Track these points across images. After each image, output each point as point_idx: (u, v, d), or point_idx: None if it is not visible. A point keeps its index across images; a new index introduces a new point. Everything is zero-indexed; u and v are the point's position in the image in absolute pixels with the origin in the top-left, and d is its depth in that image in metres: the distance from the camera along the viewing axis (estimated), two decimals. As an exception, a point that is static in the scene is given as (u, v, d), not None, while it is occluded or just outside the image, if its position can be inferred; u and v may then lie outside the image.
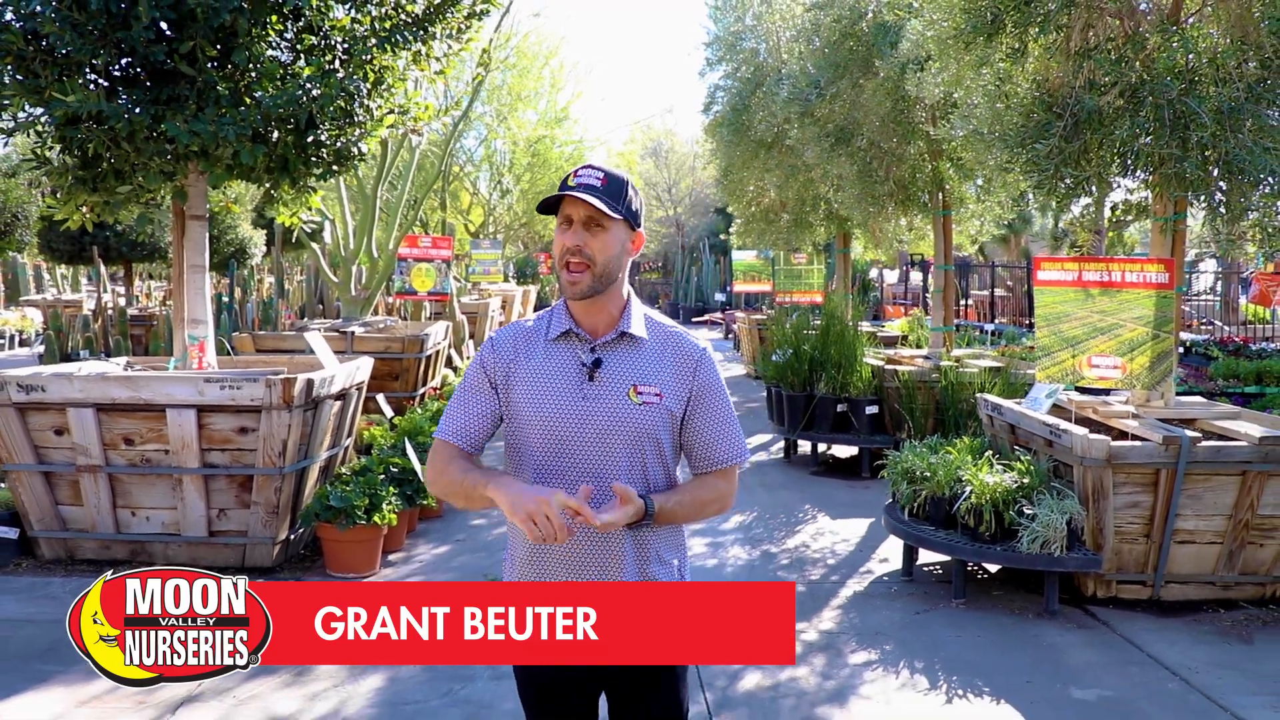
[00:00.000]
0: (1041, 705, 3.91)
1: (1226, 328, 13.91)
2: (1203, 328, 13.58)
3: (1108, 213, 5.69)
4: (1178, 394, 6.35)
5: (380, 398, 7.66)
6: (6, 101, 5.13)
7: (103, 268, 15.92)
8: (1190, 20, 4.63)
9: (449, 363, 11.28)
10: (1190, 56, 4.24)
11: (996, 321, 16.74)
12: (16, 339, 19.73)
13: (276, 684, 4.05)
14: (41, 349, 14.04)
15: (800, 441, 8.54)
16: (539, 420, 2.07)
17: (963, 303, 20.49)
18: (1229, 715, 3.80)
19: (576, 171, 2.08)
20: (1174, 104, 4.11)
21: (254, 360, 7.25)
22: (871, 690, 4.05)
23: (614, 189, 2.07)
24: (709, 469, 2.18)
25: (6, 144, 5.73)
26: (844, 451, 8.92)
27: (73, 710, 3.80)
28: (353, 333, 9.15)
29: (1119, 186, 5.38)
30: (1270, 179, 4.02)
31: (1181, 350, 9.00)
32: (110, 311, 13.58)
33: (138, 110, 4.96)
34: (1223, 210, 4.38)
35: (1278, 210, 4.40)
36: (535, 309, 23.71)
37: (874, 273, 24.06)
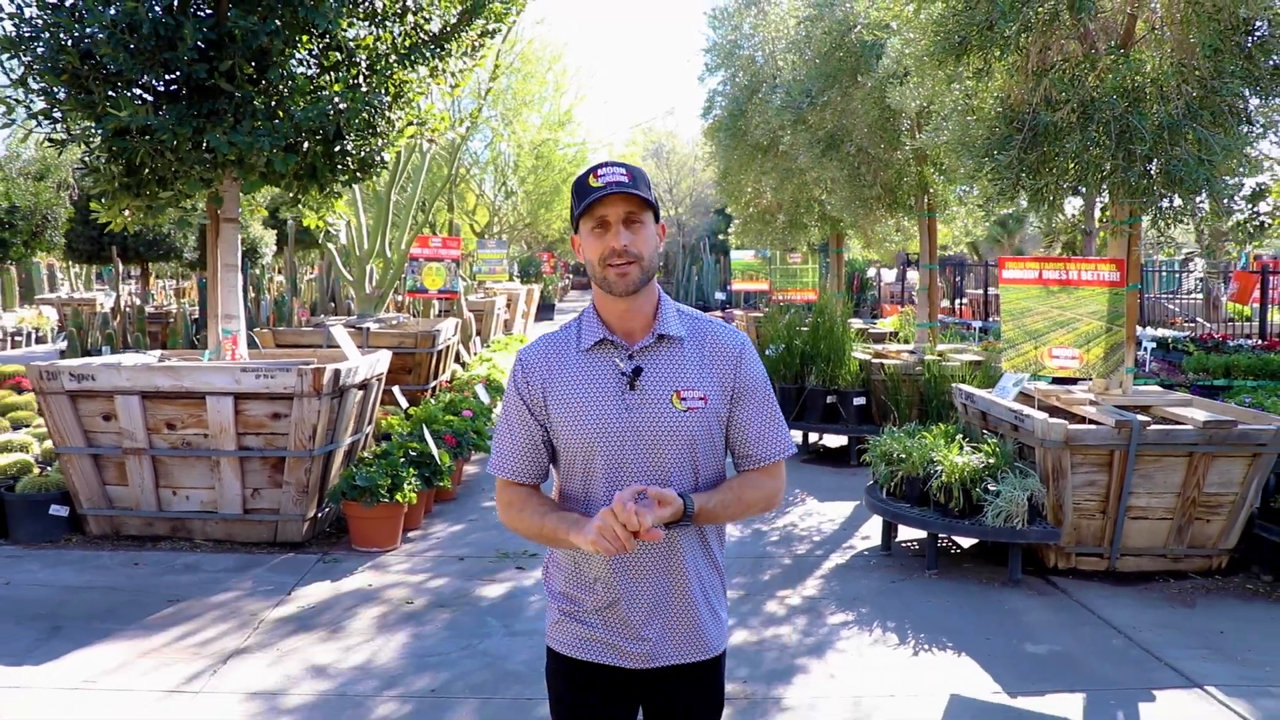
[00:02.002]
0: (999, 658, 4.38)
1: (1208, 325, 14.35)
2: (1186, 325, 14.02)
3: (1098, 213, 6.15)
4: (1143, 385, 6.81)
5: (395, 389, 8.13)
6: (59, 115, 5.63)
7: (120, 266, 16.41)
8: (1139, 42, 5.09)
9: (457, 358, 11.76)
10: (1137, 77, 4.70)
11: (991, 319, 17.14)
12: (33, 336, 20.24)
13: (314, 639, 4.52)
14: (62, 345, 14.53)
15: (792, 431, 9.00)
16: (582, 436, 1.99)
17: (959, 301, 20.93)
18: (1161, 664, 4.27)
19: (597, 171, 1.95)
20: (1119, 120, 4.58)
21: (276, 354, 7.73)
22: (847, 645, 4.53)
23: (640, 182, 1.96)
24: (753, 466, 2.08)
25: (62, 153, 6.20)
26: (833, 441, 9.38)
27: (135, 660, 4.27)
28: (368, 328, 9.63)
29: (1081, 193, 5.83)
30: (1205, 189, 4.49)
31: (1155, 345, 9.44)
32: (129, 309, 14.06)
33: (181, 123, 5.44)
34: (1167, 215, 4.84)
35: (1220, 213, 4.86)
36: (538, 307, 24.19)
37: (872, 272, 24.50)
